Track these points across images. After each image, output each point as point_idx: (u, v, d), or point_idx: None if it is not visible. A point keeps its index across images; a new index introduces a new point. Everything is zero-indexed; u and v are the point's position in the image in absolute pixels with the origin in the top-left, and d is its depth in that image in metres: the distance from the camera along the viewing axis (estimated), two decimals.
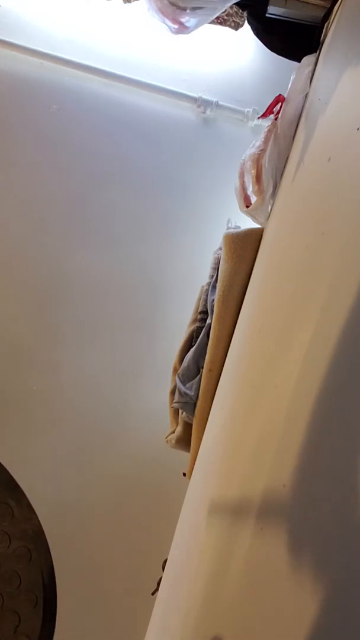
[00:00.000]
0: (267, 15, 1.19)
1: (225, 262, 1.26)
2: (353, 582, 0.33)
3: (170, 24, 1.19)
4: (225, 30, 1.55)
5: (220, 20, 1.51)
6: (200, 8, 1.13)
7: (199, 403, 1.27)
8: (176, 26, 1.20)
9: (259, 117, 1.52)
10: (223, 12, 1.41)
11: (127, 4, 1.46)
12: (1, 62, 1.63)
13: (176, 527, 1.32)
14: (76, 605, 1.56)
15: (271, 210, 1.21)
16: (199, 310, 1.40)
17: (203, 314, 1.38)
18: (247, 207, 1.27)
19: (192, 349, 1.34)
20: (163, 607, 1.19)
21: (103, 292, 1.70)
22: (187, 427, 1.36)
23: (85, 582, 1.61)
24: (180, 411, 1.38)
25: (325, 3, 1.11)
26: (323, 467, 0.42)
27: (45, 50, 1.62)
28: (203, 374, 1.26)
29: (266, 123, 1.26)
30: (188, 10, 1.13)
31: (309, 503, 0.43)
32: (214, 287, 1.34)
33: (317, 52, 1.12)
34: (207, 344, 1.28)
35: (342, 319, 0.48)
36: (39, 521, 1.11)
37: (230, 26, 1.53)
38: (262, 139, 1.20)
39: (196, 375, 1.31)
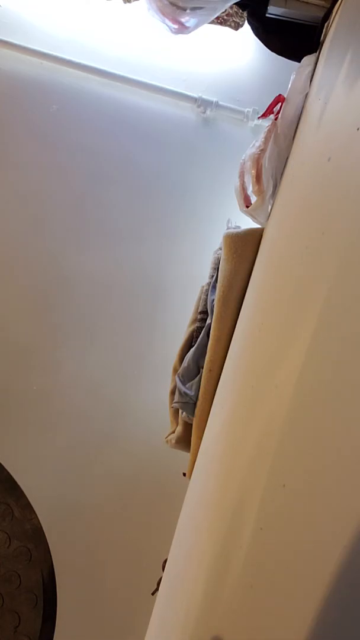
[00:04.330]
0: (267, 15, 1.19)
1: (225, 262, 1.26)
2: (353, 581, 0.33)
3: (170, 24, 1.19)
4: (225, 30, 1.55)
5: (220, 20, 1.51)
6: (200, 8, 1.13)
7: (199, 403, 1.27)
8: (176, 26, 1.20)
9: (259, 117, 1.52)
10: (223, 12, 1.41)
11: (127, 4, 1.46)
12: (1, 62, 1.63)
13: (176, 527, 1.32)
14: (76, 605, 1.56)
15: (271, 210, 1.21)
16: (199, 310, 1.40)
17: (203, 314, 1.38)
18: (247, 207, 1.26)
19: (192, 349, 1.34)
20: (163, 607, 1.19)
21: (103, 292, 1.70)
22: (187, 427, 1.36)
23: (85, 582, 1.61)
24: (180, 411, 1.38)
25: (325, 3, 1.11)
26: (323, 467, 0.42)
27: (45, 50, 1.62)
28: (203, 374, 1.26)
29: (266, 123, 1.26)
30: (188, 10, 1.13)
31: (309, 503, 0.43)
32: (214, 287, 1.34)
33: (317, 52, 1.12)
34: (207, 344, 1.28)
35: (342, 320, 0.48)
36: (39, 521, 1.11)
37: (230, 26, 1.53)
38: (262, 139, 1.20)
39: (196, 375, 1.31)
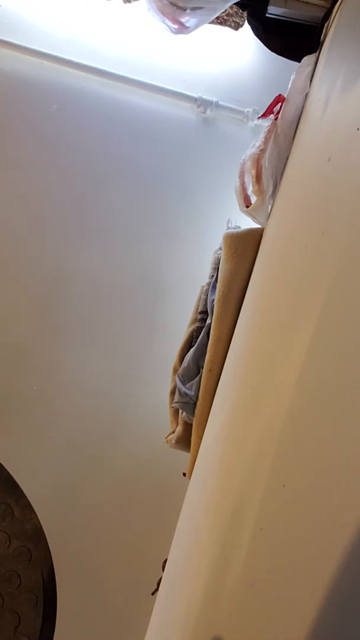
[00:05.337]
0: (267, 15, 1.18)
1: (225, 262, 1.26)
2: (353, 581, 0.33)
3: (170, 24, 1.19)
4: (225, 30, 1.55)
5: (220, 20, 1.51)
6: (200, 8, 1.13)
7: (199, 403, 1.27)
8: (176, 26, 1.20)
9: (259, 117, 1.52)
10: (223, 12, 1.41)
11: (127, 4, 1.46)
12: (1, 62, 1.63)
13: (176, 527, 1.32)
14: (76, 605, 1.56)
15: (271, 210, 1.21)
16: (199, 310, 1.40)
17: (203, 314, 1.38)
18: (247, 207, 1.27)
19: (192, 349, 1.34)
20: (163, 607, 1.19)
21: (103, 292, 1.70)
22: (187, 427, 1.36)
23: (85, 582, 1.61)
24: (180, 411, 1.38)
25: (325, 3, 1.11)
26: (323, 467, 0.42)
27: (45, 50, 1.62)
28: (203, 374, 1.26)
29: (266, 123, 1.26)
30: (188, 10, 1.13)
31: (309, 503, 0.43)
32: (214, 287, 1.34)
33: (317, 52, 1.12)
34: (207, 344, 1.28)
35: (342, 320, 0.48)
36: (39, 521, 1.11)
37: (230, 26, 1.53)
38: (262, 139, 1.20)
39: (196, 375, 1.31)
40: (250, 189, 1.26)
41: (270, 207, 1.22)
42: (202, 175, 1.72)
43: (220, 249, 1.33)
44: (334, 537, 0.36)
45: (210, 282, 1.39)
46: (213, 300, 1.31)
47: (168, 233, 1.71)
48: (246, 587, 0.55)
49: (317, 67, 1.08)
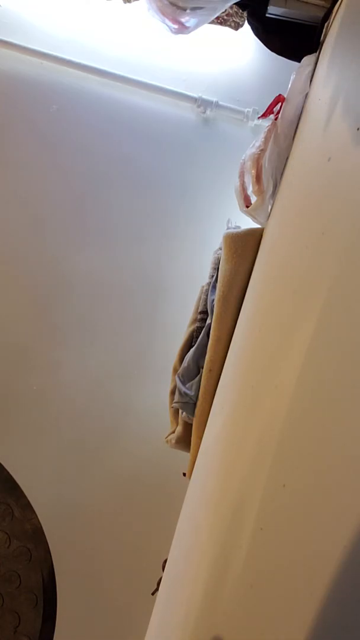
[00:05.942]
0: (267, 15, 1.18)
1: (225, 262, 1.26)
2: (353, 581, 0.33)
3: (170, 24, 1.19)
4: (225, 30, 1.55)
5: (220, 20, 1.51)
6: (200, 8, 1.13)
7: (199, 403, 1.27)
8: (176, 26, 1.20)
9: (259, 117, 1.52)
10: (223, 12, 1.41)
11: (127, 4, 1.46)
12: (1, 62, 1.63)
13: (176, 527, 1.32)
14: (76, 605, 1.56)
15: (271, 210, 1.21)
16: (199, 310, 1.40)
17: (203, 314, 1.38)
18: (247, 207, 1.27)
19: (192, 349, 1.34)
20: (163, 607, 1.19)
21: (103, 292, 1.70)
22: (187, 427, 1.36)
23: (85, 582, 1.61)
24: (180, 411, 1.38)
25: (325, 3, 1.11)
26: (323, 467, 0.42)
27: (45, 50, 1.62)
28: (203, 374, 1.26)
29: (266, 123, 1.26)
30: (188, 10, 1.13)
31: (309, 503, 0.43)
32: (214, 287, 1.34)
33: (317, 52, 1.12)
34: (207, 344, 1.28)
35: (342, 320, 0.48)
36: (39, 521, 1.11)
37: (230, 26, 1.53)
38: (262, 139, 1.20)
39: (196, 375, 1.31)
40: (250, 189, 1.26)
41: (270, 207, 1.22)
42: (202, 175, 1.72)
43: (220, 249, 1.33)
44: (334, 537, 0.36)
45: (210, 282, 1.39)
46: (213, 300, 1.31)
47: (168, 233, 1.71)
48: (246, 587, 0.55)
49: (317, 67, 1.08)
